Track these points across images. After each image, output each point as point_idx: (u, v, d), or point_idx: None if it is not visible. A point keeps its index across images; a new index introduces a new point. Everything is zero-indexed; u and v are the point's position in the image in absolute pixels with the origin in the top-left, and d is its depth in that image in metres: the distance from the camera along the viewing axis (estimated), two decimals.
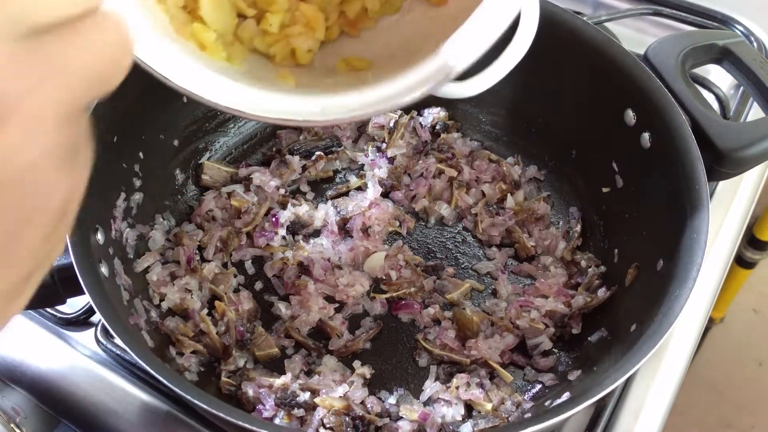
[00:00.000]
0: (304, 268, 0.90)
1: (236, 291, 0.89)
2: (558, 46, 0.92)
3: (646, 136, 0.84)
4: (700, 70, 0.98)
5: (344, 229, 0.94)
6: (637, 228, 0.86)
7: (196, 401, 0.62)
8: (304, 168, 1.00)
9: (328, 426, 0.75)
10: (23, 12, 0.29)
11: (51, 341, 0.84)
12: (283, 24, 0.68)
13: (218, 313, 0.84)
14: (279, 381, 0.78)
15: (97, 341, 0.83)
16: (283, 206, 0.95)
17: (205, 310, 0.84)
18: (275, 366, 0.83)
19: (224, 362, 0.81)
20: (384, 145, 1.01)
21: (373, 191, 0.96)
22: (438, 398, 0.80)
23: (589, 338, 0.84)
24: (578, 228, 0.94)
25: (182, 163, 0.96)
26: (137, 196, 0.87)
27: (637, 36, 1.16)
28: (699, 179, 0.76)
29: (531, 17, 0.63)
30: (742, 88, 1.05)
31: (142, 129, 0.87)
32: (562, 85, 0.95)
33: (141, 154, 0.87)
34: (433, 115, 1.03)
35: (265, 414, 0.77)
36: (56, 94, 0.30)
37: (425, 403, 0.80)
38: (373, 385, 0.82)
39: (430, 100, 1.04)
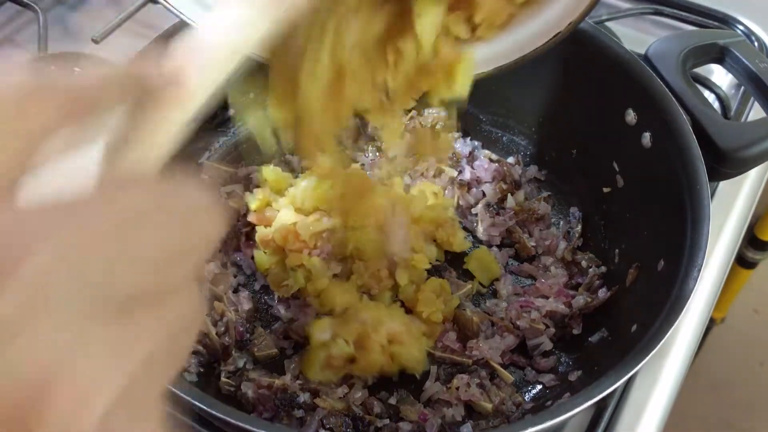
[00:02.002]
0: None
1: (236, 291, 0.88)
2: (558, 45, 0.92)
3: (647, 135, 0.84)
4: (701, 70, 0.97)
5: None
6: (638, 228, 0.86)
7: (195, 402, 0.62)
8: (304, 168, 0.99)
9: (327, 427, 0.75)
10: (105, 283, 0.25)
11: None
12: None
13: (217, 314, 0.84)
14: (279, 381, 0.78)
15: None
16: None
17: (205, 311, 0.84)
18: (275, 366, 0.83)
19: (223, 363, 0.81)
20: (384, 145, 1.01)
21: None
22: (438, 399, 0.79)
23: (589, 339, 0.83)
24: (579, 228, 0.94)
25: (182, 163, 0.95)
26: None
27: (637, 35, 1.15)
28: (700, 179, 0.75)
29: None
30: (743, 87, 1.04)
31: None
32: (563, 85, 0.95)
33: None
34: (433, 115, 1.03)
35: (265, 414, 0.77)
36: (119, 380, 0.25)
37: (425, 404, 0.80)
38: (373, 386, 0.81)
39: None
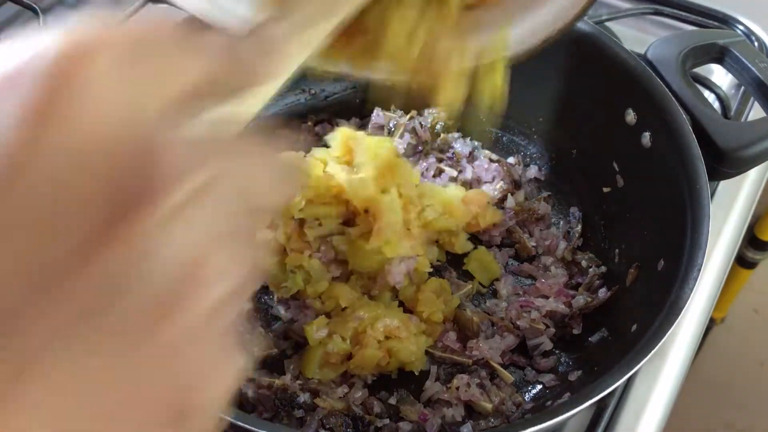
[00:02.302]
0: None
1: None
2: (558, 45, 0.91)
3: (646, 135, 0.84)
4: (700, 70, 0.97)
5: None
6: (638, 228, 0.86)
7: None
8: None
9: (327, 426, 0.75)
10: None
11: None
12: None
13: None
14: (279, 381, 0.78)
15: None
16: None
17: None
18: (275, 366, 0.83)
19: None
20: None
21: None
22: (438, 399, 0.79)
23: (589, 339, 0.83)
24: (579, 228, 0.94)
25: None
26: None
27: (637, 35, 1.15)
28: (700, 179, 0.75)
29: None
30: (743, 87, 1.04)
31: None
32: (563, 85, 0.95)
33: None
34: (433, 115, 1.03)
35: (265, 414, 0.77)
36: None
37: (425, 404, 0.80)
38: (373, 386, 0.81)
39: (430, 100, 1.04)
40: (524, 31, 0.64)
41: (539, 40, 0.64)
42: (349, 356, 0.80)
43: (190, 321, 0.27)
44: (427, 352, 0.83)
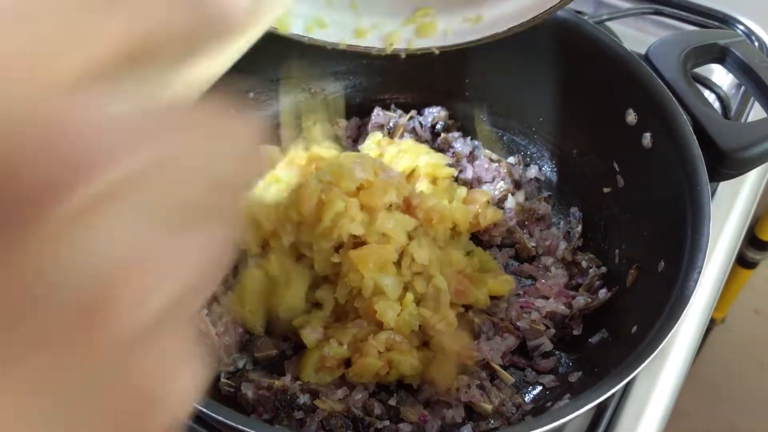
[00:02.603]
0: None
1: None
2: (559, 45, 0.92)
3: (647, 135, 0.84)
4: (701, 70, 0.97)
5: None
6: (638, 228, 0.85)
7: (195, 403, 0.61)
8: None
9: (327, 428, 0.74)
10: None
11: None
12: None
13: (216, 315, 0.84)
14: (278, 383, 0.78)
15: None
16: None
17: (205, 311, 0.84)
18: (275, 367, 0.83)
19: (223, 363, 0.81)
20: None
21: None
22: (438, 400, 0.79)
23: (590, 339, 0.83)
24: (579, 228, 0.93)
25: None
26: None
27: (638, 35, 1.15)
28: (700, 179, 0.75)
29: None
30: (743, 87, 1.04)
31: None
32: (563, 85, 0.94)
33: None
34: (433, 114, 1.03)
35: (265, 416, 0.77)
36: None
37: (425, 405, 0.79)
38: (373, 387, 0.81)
39: (430, 100, 1.04)
40: (512, 11, 0.65)
41: (505, 29, 0.65)
42: (347, 362, 0.80)
43: (129, 326, 0.24)
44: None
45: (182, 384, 0.27)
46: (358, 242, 0.80)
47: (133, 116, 0.24)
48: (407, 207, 0.83)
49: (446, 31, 0.72)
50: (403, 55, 0.68)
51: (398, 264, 0.81)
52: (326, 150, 0.94)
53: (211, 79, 0.32)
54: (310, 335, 0.80)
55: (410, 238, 0.82)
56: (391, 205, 0.82)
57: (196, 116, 0.27)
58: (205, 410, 0.61)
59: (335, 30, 0.66)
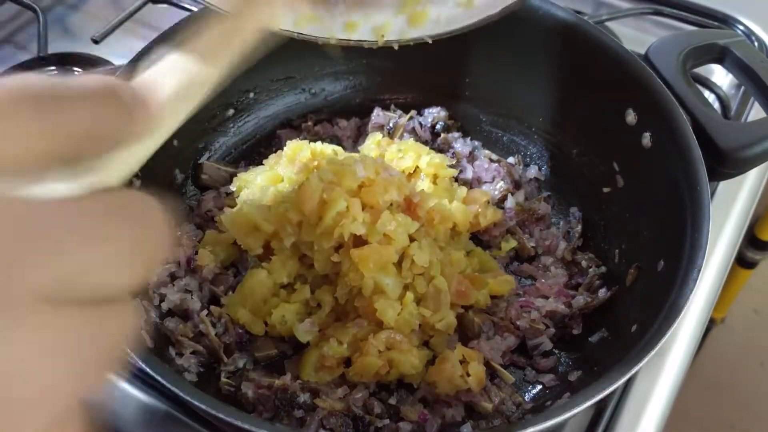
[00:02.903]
0: None
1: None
2: (559, 45, 0.92)
3: (647, 135, 0.84)
4: (701, 70, 0.97)
5: None
6: (638, 228, 0.86)
7: (195, 402, 0.62)
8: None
9: (327, 427, 0.75)
10: (72, 280, 0.28)
11: None
12: None
13: (215, 317, 0.84)
14: (278, 382, 0.78)
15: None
16: None
17: (206, 311, 0.84)
18: (275, 367, 0.83)
19: (224, 363, 0.81)
20: None
21: None
22: (438, 399, 0.79)
23: (589, 339, 0.83)
24: (579, 228, 0.94)
25: (182, 163, 0.96)
26: None
27: (638, 35, 1.15)
28: (700, 179, 0.75)
29: None
30: (743, 87, 1.04)
31: None
32: (563, 85, 0.95)
33: None
34: (433, 114, 1.03)
35: (265, 415, 0.77)
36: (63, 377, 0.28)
37: (425, 404, 0.80)
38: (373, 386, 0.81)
39: (430, 100, 1.05)
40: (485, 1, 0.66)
41: (498, 10, 0.65)
42: (347, 361, 0.80)
43: None
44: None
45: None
46: (359, 241, 0.80)
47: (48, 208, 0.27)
48: (408, 206, 0.84)
49: (438, 17, 0.71)
50: (396, 47, 0.68)
51: (398, 265, 0.81)
52: (328, 147, 0.94)
53: (139, 161, 0.36)
54: (303, 334, 0.81)
55: (411, 239, 0.82)
56: (392, 204, 0.83)
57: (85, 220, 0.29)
58: (206, 408, 0.61)
59: (325, 24, 0.65)
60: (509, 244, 0.93)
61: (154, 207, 0.31)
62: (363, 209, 0.80)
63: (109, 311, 0.30)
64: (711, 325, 1.89)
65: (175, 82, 0.38)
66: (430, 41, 0.68)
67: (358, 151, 1.02)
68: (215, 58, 0.40)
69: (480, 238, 0.95)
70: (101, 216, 0.29)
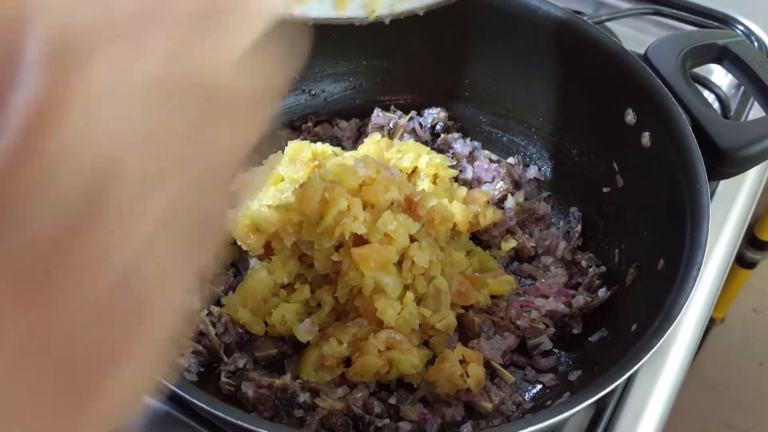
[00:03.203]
0: None
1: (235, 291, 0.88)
2: (558, 45, 0.92)
3: (646, 135, 0.84)
4: (700, 70, 0.98)
5: None
6: (637, 228, 0.86)
7: (195, 401, 0.62)
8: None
9: (327, 427, 0.75)
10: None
11: None
12: None
13: (215, 317, 0.84)
14: (279, 381, 0.78)
15: None
16: None
17: (205, 311, 0.84)
18: (275, 366, 0.83)
19: (224, 363, 0.81)
20: None
21: None
22: (438, 398, 0.79)
23: (589, 338, 0.83)
24: (579, 228, 0.94)
25: None
26: None
27: (637, 35, 1.16)
28: (700, 179, 0.75)
29: None
30: (742, 87, 1.05)
31: None
32: (563, 85, 0.95)
33: None
34: (432, 115, 1.03)
35: (265, 414, 0.77)
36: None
37: (425, 403, 0.80)
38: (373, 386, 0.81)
39: (430, 101, 1.05)
40: None
41: None
42: (347, 361, 0.80)
43: (127, 232, 0.23)
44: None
45: (173, 295, 0.26)
46: (359, 241, 0.80)
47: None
48: (409, 206, 0.84)
49: None
50: (387, 22, 0.67)
51: (399, 266, 0.82)
52: (329, 147, 0.94)
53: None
54: (303, 333, 0.81)
55: (411, 239, 0.83)
56: (392, 203, 0.83)
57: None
58: (206, 407, 0.61)
59: (314, 4, 0.65)
60: (509, 244, 0.93)
61: None
62: (364, 208, 0.80)
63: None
64: (711, 324, 1.89)
65: None
66: (421, 13, 0.67)
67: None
68: None
69: (480, 238, 0.95)
70: None
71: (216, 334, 0.82)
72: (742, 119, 1.03)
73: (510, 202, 0.96)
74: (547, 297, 0.87)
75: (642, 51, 0.90)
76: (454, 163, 0.99)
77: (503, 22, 0.94)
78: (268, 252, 0.85)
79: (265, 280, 0.83)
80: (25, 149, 0.21)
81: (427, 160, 0.94)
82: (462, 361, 0.79)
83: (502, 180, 0.98)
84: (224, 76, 0.27)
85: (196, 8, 0.26)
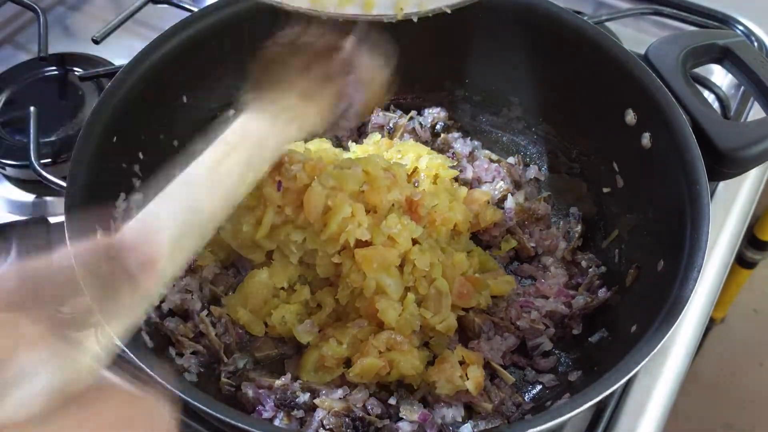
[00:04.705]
0: None
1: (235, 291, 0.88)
2: (559, 45, 0.92)
3: (646, 136, 0.84)
4: (700, 70, 0.98)
5: None
6: (637, 228, 0.86)
7: (195, 402, 0.62)
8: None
9: (327, 427, 0.75)
10: None
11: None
12: None
13: (215, 317, 0.84)
14: (279, 382, 0.78)
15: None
16: None
17: (206, 311, 0.84)
18: (275, 367, 0.83)
19: (224, 363, 0.81)
20: None
21: None
22: (438, 399, 0.79)
23: (589, 339, 0.83)
24: (579, 228, 0.94)
25: (182, 163, 0.95)
26: (137, 197, 0.87)
27: (637, 35, 1.16)
28: (700, 179, 0.75)
29: None
30: (742, 87, 1.05)
31: (142, 129, 0.87)
32: (563, 85, 0.95)
33: (141, 155, 0.87)
34: (433, 115, 1.03)
35: (265, 415, 0.77)
36: None
37: (425, 404, 0.80)
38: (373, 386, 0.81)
39: (430, 100, 1.05)
40: None
41: None
42: (347, 361, 0.80)
43: None
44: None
45: None
46: (361, 242, 0.80)
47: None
48: (409, 206, 0.84)
49: None
50: (415, 19, 0.67)
51: (400, 268, 0.82)
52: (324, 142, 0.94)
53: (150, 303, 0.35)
54: (303, 334, 0.81)
55: (413, 242, 0.83)
56: (393, 205, 0.83)
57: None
58: (206, 408, 0.61)
59: (343, 1, 0.65)
60: (509, 244, 0.93)
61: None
62: (366, 211, 0.80)
63: None
64: (711, 324, 1.89)
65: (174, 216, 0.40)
66: (449, 11, 0.67)
67: None
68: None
69: (480, 238, 0.95)
70: None
71: (216, 335, 0.82)
72: (742, 119, 1.03)
73: (510, 202, 0.96)
74: (547, 297, 0.87)
75: (642, 51, 0.89)
76: (455, 164, 0.99)
77: (503, 22, 0.94)
78: (268, 257, 0.85)
79: (264, 281, 0.83)
80: None
81: (427, 160, 0.94)
82: (462, 363, 0.79)
83: (502, 180, 0.98)
84: None
85: None
